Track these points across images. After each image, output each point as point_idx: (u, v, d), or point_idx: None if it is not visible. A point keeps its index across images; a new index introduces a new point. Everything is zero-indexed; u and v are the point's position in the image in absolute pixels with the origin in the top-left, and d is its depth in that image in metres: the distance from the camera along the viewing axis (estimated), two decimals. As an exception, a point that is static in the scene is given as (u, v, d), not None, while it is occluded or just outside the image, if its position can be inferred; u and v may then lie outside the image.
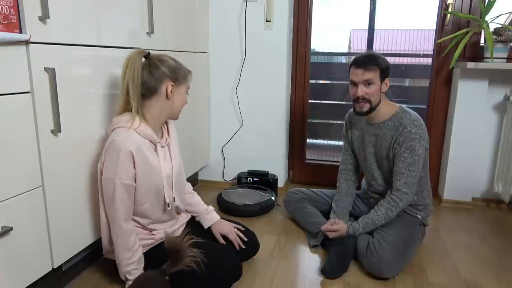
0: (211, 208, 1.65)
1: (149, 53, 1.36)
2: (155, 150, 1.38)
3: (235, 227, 1.60)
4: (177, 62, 1.39)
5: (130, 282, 1.33)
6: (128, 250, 1.33)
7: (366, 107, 1.61)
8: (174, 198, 1.45)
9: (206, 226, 1.60)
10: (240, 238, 1.57)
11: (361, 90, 1.58)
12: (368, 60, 1.57)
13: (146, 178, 1.34)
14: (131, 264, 1.34)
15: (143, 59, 1.34)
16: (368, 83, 1.57)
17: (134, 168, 1.30)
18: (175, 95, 1.37)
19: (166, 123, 1.49)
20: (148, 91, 1.33)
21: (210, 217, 1.62)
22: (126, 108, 1.36)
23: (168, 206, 1.42)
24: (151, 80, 1.32)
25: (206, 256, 1.20)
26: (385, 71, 1.59)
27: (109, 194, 1.30)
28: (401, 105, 1.68)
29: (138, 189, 1.34)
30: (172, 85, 1.35)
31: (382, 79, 1.59)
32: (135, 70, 1.28)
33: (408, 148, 1.58)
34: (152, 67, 1.33)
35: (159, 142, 1.39)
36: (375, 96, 1.59)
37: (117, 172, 1.27)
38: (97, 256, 1.62)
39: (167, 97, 1.35)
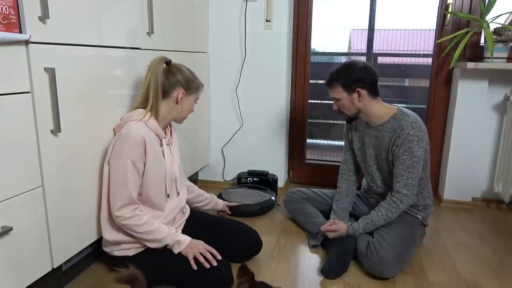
0: (212, 194, 1.95)
1: (170, 60, 1.50)
2: (161, 145, 1.47)
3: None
4: (193, 74, 1.54)
5: (184, 246, 1.40)
6: (157, 229, 1.40)
7: (345, 115, 1.71)
8: (179, 192, 1.57)
9: (221, 206, 1.95)
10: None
11: (334, 105, 1.69)
12: (330, 78, 1.65)
13: (154, 166, 1.42)
14: (171, 232, 1.42)
15: (164, 64, 1.48)
16: (335, 99, 1.65)
17: (145, 154, 1.38)
18: (184, 102, 1.50)
19: (170, 125, 1.59)
20: (161, 93, 1.45)
21: (218, 200, 1.96)
22: (141, 105, 1.47)
23: (168, 197, 1.50)
24: (166, 84, 1.46)
25: (198, 267, 1.36)
26: (350, 84, 1.60)
27: (121, 178, 1.36)
28: (400, 106, 1.68)
29: (145, 176, 1.40)
30: (183, 93, 1.49)
31: (349, 92, 1.61)
32: (157, 73, 1.42)
33: (406, 150, 1.58)
34: (170, 73, 1.47)
35: (164, 137, 1.49)
36: (346, 109, 1.66)
37: (131, 155, 1.35)
38: (97, 256, 1.62)
39: (176, 102, 1.48)
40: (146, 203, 1.45)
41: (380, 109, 1.66)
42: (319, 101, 2.68)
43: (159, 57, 1.46)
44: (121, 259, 1.44)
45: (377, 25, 2.43)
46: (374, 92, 1.63)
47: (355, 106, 1.63)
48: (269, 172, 2.45)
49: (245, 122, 2.49)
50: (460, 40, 2.09)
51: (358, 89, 1.59)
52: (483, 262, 1.70)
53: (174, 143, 1.59)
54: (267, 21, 2.32)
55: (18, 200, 1.13)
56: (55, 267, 1.29)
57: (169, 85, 1.46)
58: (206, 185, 2.61)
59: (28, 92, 1.13)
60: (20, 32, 1.08)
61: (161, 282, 1.39)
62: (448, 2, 2.23)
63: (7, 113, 1.07)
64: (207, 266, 1.36)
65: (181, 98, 1.48)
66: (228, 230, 1.63)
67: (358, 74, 1.59)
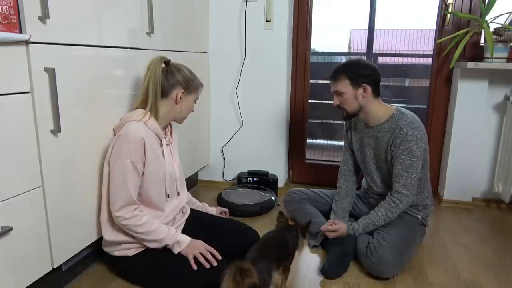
0: (204, 203, 1.84)
1: (169, 60, 1.49)
2: (161, 145, 1.46)
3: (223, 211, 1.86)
4: (192, 73, 1.53)
5: (184, 246, 1.40)
6: (157, 229, 1.40)
7: (344, 113, 1.69)
8: (179, 192, 1.57)
9: (214, 212, 1.81)
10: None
11: (335, 100, 1.67)
12: (337, 71, 1.64)
13: (153, 166, 1.41)
14: (171, 232, 1.42)
15: (163, 64, 1.47)
16: (339, 93, 1.64)
17: (145, 154, 1.38)
18: (183, 102, 1.50)
19: (170, 125, 1.59)
20: (160, 93, 1.44)
21: (211, 208, 1.82)
22: (141, 105, 1.47)
23: (168, 197, 1.49)
24: (165, 84, 1.45)
25: (198, 267, 1.36)
26: (357, 78, 1.60)
27: (120, 178, 1.36)
28: (398, 106, 1.69)
29: (145, 176, 1.40)
30: (183, 93, 1.48)
31: (356, 86, 1.60)
32: (156, 73, 1.41)
33: (405, 150, 1.58)
34: (169, 73, 1.46)
35: (164, 138, 1.48)
36: (348, 104, 1.65)
37: (131, 156, 1.35)
38: (97, 256, 1.62)
39: (176, 102, 1.47)
40: (146, 204, 1.45)
41: (379, 109, 1.66)
42: (319, 101, 2.68)
43: (158, 57, 1.46)
44: (121, 259, 1.44)
45: (377, 25, 2.43)
46: (377, 91, 1.64)
47: (357, 102, 1.63)
48: (269, 172, 2.45)
49: (245, 122, 2.49)
50: (460, 40, 2.09)
51: (364, 84, 1.60)
52: (483, 262, 1.70)
53: (174, 143, 1.59)
54: (267, 21, 2.32)
55: (18, 200, 1.13)
56: (55, 267, 1.29)
57: (168, 85, 1.46)
58: (206, 185, 2.61)
59: (28, 92, 1.13)
60: (20, 32, 1.08)
61: (161, 282, 1.40)
62: (448, 2, 2.23)
63: (7, 113, 1.07)
64: (207, 266, 1.36)
65: (181, 98, 1.48)
66: (228, 230, 1.63)
67: (366, 70, 1.61)
